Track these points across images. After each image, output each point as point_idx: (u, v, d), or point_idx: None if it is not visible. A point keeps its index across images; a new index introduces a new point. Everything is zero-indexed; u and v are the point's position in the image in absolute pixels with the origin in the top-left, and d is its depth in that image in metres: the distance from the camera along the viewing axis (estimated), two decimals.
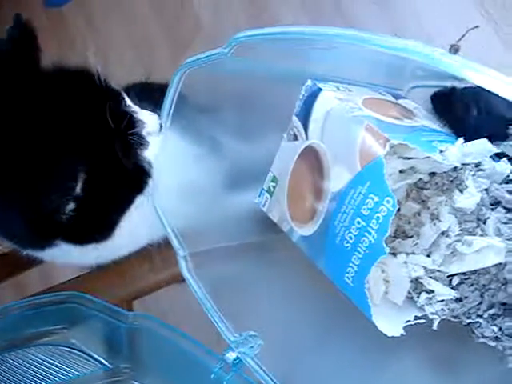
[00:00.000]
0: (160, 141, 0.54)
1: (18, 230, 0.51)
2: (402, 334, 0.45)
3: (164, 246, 0.55)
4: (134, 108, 0.54)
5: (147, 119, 0.54)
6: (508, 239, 0.46)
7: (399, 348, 0.47)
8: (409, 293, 0.49)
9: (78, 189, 0.48)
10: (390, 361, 0.49)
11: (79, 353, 0.52)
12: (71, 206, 0.48)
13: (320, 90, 0.48)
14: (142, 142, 0.53)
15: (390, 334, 0.45)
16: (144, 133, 0.53)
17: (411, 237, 0.50)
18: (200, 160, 0.59)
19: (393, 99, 0.54)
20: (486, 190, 0.47)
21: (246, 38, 0.44)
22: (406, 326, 0.46)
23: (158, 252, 0.55)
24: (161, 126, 0.54)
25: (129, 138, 0.52)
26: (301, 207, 0.50)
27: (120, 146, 0.51)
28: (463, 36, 0.53)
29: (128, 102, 0.54)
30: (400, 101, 0.54)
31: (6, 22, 0.52)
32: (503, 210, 0.46)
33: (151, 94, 0.61)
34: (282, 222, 0.52)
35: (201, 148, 0.58)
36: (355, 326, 0.47)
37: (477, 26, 0.55)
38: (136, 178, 0.53)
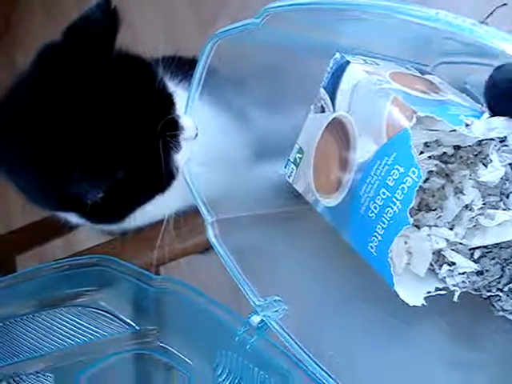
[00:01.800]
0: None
1: (43, 194, 0.53)
2: (423, 304, 0.46)
3: (192, 214, 0.56)
4: (179, 112, 0.55)
5: (187, 125, 0.55)
6: None
7: (420, 317, 0.48)
8: (431, 265, 0.50)
9: (109, 182, 0.50)
10: (410, 329, 0.50)
11: (108, 314, 0.54)
12: (100, 194, 0.50)
13: (348, 62, 0.49)
14: (177, 146, 0.54)
15: (411, 304, 0.46)
16: (181, 138, 0.54)
17: (435, 210, 0.50)
18: (228, 130, 0.60)
19: (419, 74, 0.54)
20: (510, 164, 0.47)
21: (277, 8, 0.44)
22: (428, 296, 0.47)
23: (184, 220, 0.56)
24: (196, 135, 0.55)
25: (168, 141, 0.53)
26: (326, 178, 0.51)
27: (162, 147, 0.52)
28: (491, 13, 0.53)
29: (176, 106, 0.55)
30: (426, 76, 0.54)
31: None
32: None
33: (181, 67, 0.62)
34: (307, 193, 0.53)
35: (229, 118, 0.59)
36: (378, 295, 0.48)
37: (505, 4, 0.54)
38: (162, 180, 0.54)
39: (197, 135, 0.54)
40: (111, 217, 0.55)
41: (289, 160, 0.55)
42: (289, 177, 0.55)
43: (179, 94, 0.57)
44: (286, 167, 0.55)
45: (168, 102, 0.54)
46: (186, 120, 0.54)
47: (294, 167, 0.54)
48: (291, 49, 0.53)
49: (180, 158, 0.54)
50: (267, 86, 0.57)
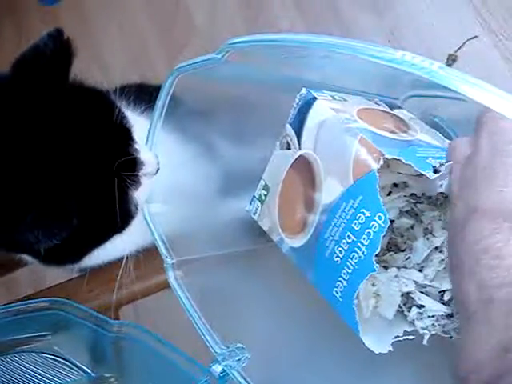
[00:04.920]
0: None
1: None
2: (389, 351, 0.44)
3: (153, 252, 0.53)
4: (139, 147, 0.52)
5: (148, 160, 0.52)
6: None
7: (389, 361, 0.46)
8: (399, 307, 0.48)
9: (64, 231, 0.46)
10: (380, 373, 0.48)
11: (63, 361, 0.51)
12: (54, 243, 0.46)
13: (315, 98, 0.47)
14: (136, 183, 0.52)
15: (377, 351, 0.44)
16: (141, 174, 0.52)
17: (403, 250, 0.49)
18: (194, 163, 0.58)
19: (388, 110, 0.53)
20: None
21: (238, 44, 0.43)
22: (395, 341, 0.45)
23: (145, 259, 0.54)
24: (157, 170, 0.53)
25: (126, 179, 0.50)
26: (291, 218, 0.49)
27: (117, 186, 0.49)
28: (461, 46, 0.52)
29: (135, 140, 0.53)
30: (396, 111, 0.53)
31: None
32: None
33: (146, 95, 0.60)
34: (272, 232, 0.51)
35: (195, 150, 0.57)
36: (343, 341, 0.46)
37: (475, 37, 0.54)
38: (119, 219, 0.51)
39: (158, 170, 0.52)
40: (66, 260, 0.52)
41: (254, 197, 0.53)
42: (254, 214, 0.53)
43: (142, 123, 0.55)
44: (251, 204, 0.54)
45: (126, 136, 0.52)
46: (146, 155, 0.52)
47: (259, 204, 0.53)
48: (258, 82, 0.52)
49: (139, 196, 0.52)
50: (235, 118, 0.55)
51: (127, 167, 0.50)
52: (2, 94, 0.49)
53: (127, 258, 0.53)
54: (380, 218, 0.41)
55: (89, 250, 0.52)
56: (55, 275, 0.66)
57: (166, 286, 0.53)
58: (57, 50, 0.49)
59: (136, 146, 0.52)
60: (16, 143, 0.46)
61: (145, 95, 0.60)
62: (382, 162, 0.42)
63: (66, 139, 0.47)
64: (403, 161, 0.42)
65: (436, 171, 0.42)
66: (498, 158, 0.36)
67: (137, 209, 0.52)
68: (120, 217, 0.49)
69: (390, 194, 0.48)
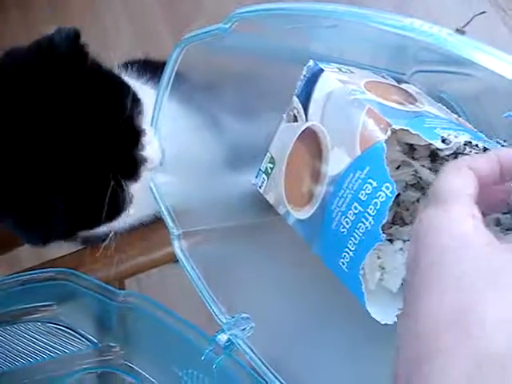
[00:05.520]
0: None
1: None
2: (394, 322, 0.45)
3: (159, 225, 0.53)
4: (145, 140, 0.51)
5: (151, 156, 0.51)
6: (506, 229, 0.45)
7: (392, 334, 0.47)
8: (403, 280, 0.48)
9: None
10: (382, 346, 0.49)
11: (68, 330, 0.51)
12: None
13: (322, 70, 0.47)
14: (136, 176, 0.51)
15: (382, 322, 0.44)
16: (142, 169, 0.51)
17: (409, 224, 0.49)
18: (198, 136, 0.57)
19: (395, 83, 0.52)
20: None
21: (246, 14, 0.43)
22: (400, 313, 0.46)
23: (152, 230, 0.54)
24: (161, 163, 0.52)
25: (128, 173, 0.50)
26: (298, 190, 0.49)
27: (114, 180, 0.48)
28: (469, 21, 0.51)
29: (144, 132, 0.51)
30: (403, 85, 0.53)
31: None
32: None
33: (152, 71, 0.59)
34: (279, 205, 0.51)
35: (201, 124, 0.56)
36: (349, 312, 0.46)
37: (483, 12, 0.53)
38: (108, 213, 0.49)
39: (161, 163, 0.52)
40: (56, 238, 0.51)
41: (260, 170, 0.53)
42: (260, 187, 0.53)
43: (147, 92, 0.54)
44: (257, 177, 0.54)
45: (135, 133, 0.50)
46: (149, 151, 0.51)
47: (266, 177, 0.53)
48: (264, 55, 0.51)
49: (135, 188, 0.51)
50: (240, 92, 0.55)
51: (128, 168, 0.49)
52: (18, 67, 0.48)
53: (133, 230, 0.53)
54: (387, 188, 0.41)
55: (75, 233, 0.51)
56: (57, 250, 0.66)
57: (172, 258, 0.54)
58: (72, 53, 0.48)
59: (143, 142, 0.51)
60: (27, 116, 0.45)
61: (150, 68, 0.60)
62: (389, 132, 0.42)
63: (73, 131, 0.46)
64: (411, 131, 0.42)
65: (444, 141, 0.42)
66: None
67: (131, 201, 0.51)
68: (109, 211, 0.48)
69: (398, 167, 0.48)
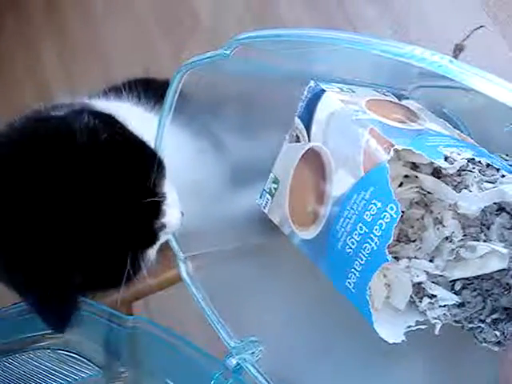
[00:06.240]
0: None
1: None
2: (403, 341, 0.45)
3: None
4: (165, 209, 0.49)
5: (171, 222, 0.49)
6: None
7: (402, 351, 0.47)
8: (411, 297, 0.48)
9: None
10: (392, 364, 0.49)
11: (78, 357, 0.52)
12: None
13: (323, 91, 0.47)
14: (154, 244, 0.49)
15: (391, 341, 0.44)
16: (162, 233, 0.49)
17: (414, 241, 0.49)
18: (201, 158, 0.57)
19: (396, 100, 0.53)
20: None
21: (246, 40, 0.43)
22: (408, 331, 0.46)
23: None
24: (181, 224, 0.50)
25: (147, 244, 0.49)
26: (302, 210, 0.49)
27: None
28: (468, 36, 0.52)
29: (165, 201, 0.49)
30: (404, 102, 0.53)
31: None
32: (507, 216, 0.45)
33: (155, 90, 0.60)
34: (283, 225, 0.51)
35: (204, 145, 0.56)
36: (357, 332, 0.46)
37: (482, 26, 0.53)
38: (130, 275, 0.47)
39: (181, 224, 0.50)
40: None
41: (264, 190, 0.53)
42: (264, 207, 0.53)
43: (151, 119, 0.54)
44: (261, 197, 0.54)
45: (155, 207, 0.48)
46: (170, 216, 0.49)
47: (270, 197, 0.53)
48: (265, 77, 0.52)
49: (151, 253, 0.49)
50: (242, 113, 0.55)
51: (147, 239, 0.48)
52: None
53: None
54: (392, 208, 0.41)
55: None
56: None
57: (178, 280, 0.54)
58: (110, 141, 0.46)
59: (164, 207, 0.48)
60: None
61: (153, 91, 0.60)
62: (392, 152, 0.42)
63: (94, 206, 0.44)
64: (414, 150, 0.42)
65: (447, 159, 0.42)
66: None
67: (145, 267, 0.48)
68: (128, 277, 0.46)
69: (401, 185, 0.48)
